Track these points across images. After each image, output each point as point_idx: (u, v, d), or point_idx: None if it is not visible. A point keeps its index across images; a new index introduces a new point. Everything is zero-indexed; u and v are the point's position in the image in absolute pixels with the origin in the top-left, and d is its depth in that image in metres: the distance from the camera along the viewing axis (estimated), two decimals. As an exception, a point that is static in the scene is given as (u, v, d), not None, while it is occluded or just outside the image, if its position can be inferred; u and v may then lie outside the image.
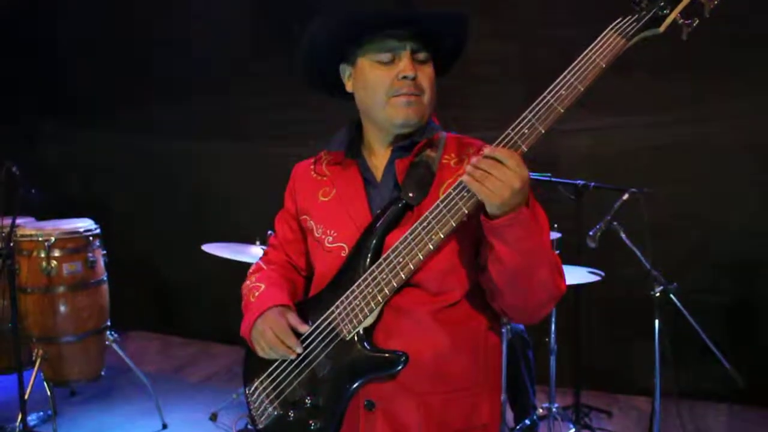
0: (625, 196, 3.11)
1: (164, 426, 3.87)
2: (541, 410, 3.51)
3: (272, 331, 1.52)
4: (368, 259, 1.46)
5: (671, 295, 3.08)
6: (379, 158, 1.59)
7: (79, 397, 4.30)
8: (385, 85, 1.47)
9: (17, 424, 3.24)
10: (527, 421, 3.37)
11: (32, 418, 3.83)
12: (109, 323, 4.04)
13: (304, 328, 1.52)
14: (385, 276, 1.40)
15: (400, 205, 1.48)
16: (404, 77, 1.45)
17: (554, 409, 3.49)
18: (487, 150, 1.26)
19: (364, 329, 1.45)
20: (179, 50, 5.25)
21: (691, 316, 3.07)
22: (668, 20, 1.28)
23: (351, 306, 1.45)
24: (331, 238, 1.55)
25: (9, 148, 5.70)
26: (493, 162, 1.23)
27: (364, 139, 1.62)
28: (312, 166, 1.70)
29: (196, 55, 5.19)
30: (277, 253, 1.79)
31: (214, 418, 3.92)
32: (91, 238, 3.92)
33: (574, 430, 3.50)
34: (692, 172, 3.96)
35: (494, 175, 1.22)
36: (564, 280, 1.41)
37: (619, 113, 4.05)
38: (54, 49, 5.85)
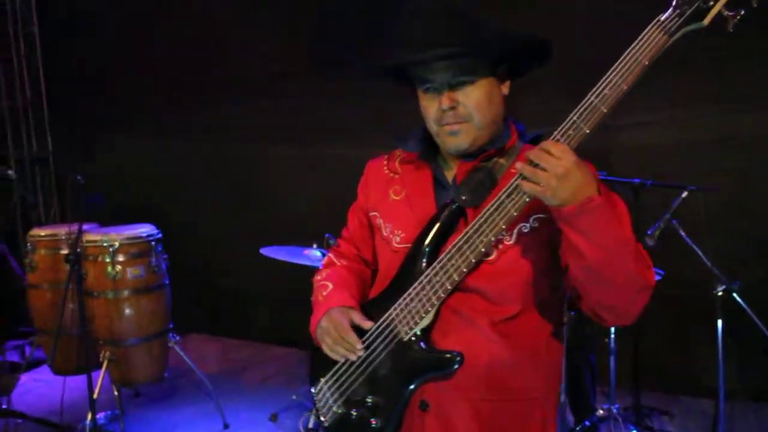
0: (684, 194, 3.05)
1: (225, 426, 3.94)
2: (601, 411, 3.46)
3: (336, 330, 1.56)
4: (424, 262, 1.48)
5: (734, 294, 3.01)
6: (451, 161, 1.60)
7: (144, 398, 4.43)
8: (432, 115, 1.50)
9: (87, 422, 3.35)
10: (587, 422, 3.33)
11: (101, 417, 3.97)
12: (171, 326, 4.16)
13: (368, 325, 1.55)
14: (439, 278, 1.43)
15: (454, 207, 1.50)
16: (443, 110, 1.47)
17: (614, 410, 3.44)
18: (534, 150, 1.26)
19: (422, 330, 1.47)
20: (235, 52, 5.34)
21: (757, 315, 2.99)
22: (713, 12, 1.22)
23: (408, 308, 1.48)
24: (398, 239, 1.58)
25: (72, 158, 5.94)
26: (537, 156, 1.23)
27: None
28: (385, 162, 1.72)
29: (252, 57, 5.26)
30: (348, 246, 1.83)
31: (274, 418, 3.98)
32: (153, 242, 4.03)
33: (635, 431, 3.45)
34: (754, 167, 3.83)
35: (539, 168, 1.22)
36: (652, 272, 1.35)
37: (676, 106, 3.95)
38: (106, 58, 6.04)
